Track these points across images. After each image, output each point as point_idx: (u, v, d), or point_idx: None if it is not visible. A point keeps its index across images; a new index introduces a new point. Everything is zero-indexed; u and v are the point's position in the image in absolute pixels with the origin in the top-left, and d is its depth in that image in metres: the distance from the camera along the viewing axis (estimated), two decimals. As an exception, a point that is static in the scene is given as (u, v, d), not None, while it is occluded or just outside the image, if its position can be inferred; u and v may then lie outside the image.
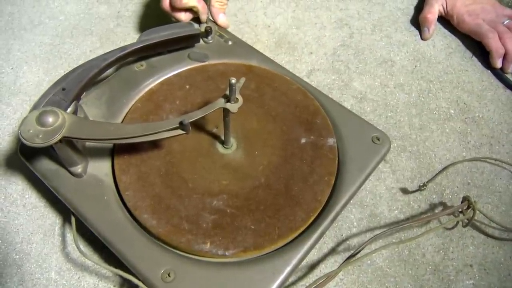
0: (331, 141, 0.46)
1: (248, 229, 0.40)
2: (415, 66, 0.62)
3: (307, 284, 0.38)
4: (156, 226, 0.40)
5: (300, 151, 0.46)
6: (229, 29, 0.58)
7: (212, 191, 0.43)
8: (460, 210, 0.45)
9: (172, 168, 0.44)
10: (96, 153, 0.44)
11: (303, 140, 0.46)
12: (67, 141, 0.39)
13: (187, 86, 0.50)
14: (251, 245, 0.39)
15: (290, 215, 0.41)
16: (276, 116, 0.48)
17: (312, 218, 0.41)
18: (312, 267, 0.44)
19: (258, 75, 0.52)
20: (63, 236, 0.45)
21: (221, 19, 0.58)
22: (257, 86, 0.51)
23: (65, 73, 0.44)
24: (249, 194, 0.43)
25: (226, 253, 0.39)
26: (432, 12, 0.65)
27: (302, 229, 0.41)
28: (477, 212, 0.43)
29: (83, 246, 0.44)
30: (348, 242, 0.46)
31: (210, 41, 0.55)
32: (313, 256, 0.45)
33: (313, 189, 0.43)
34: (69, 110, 0.41)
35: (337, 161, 0.45)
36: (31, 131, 0.37)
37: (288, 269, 0.38)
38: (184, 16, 0.56)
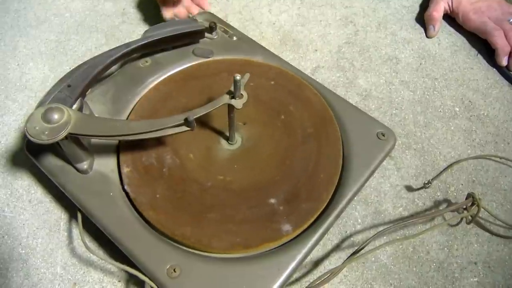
0: (336, 137, 0.46)
1: (253, 225, 0.40)
2: (420, 64, 0.62)
3: (311, 280, 0.38)
4: (162, 221, 0.40)
5: (305, 146, 0.46)
6: (234, 26, 0.58)
7: (217, 187, 0.43)
8: (465, 206, 0.45)
9: (177, 164, 0.44)
10: (101, 149, 0.44)
11: (307, 136, 0.46)
12: (73, 137, 0.39)
13: (192, 82, 0.51)
14: (256, 241, 0.39)
15: (294, 211, 0.41)
16: (281, 112, 0.48)
17: (317, 214, 0.41)
18: (317, 263, 0.44)
19: (263, 70, 0.52)
20: (68, 231, 0.46)
21: None
22: (262, 82, 0.51)
23: (71, 69, 0.44)
24: (254, 190, 0.43)
25: (231, 249, 0.39)
26: (438, 10, 0.65)
27: (306, 225, 0.41)
28: (482, 209, 0.43)
29: (88, 242, 0.44)
30: (352, 238, 0.46)
31: (215, 37, 0.55)
32: (318, 252, 0.45)
33: (318, 185, 0.43)
34: (74, 106, 0.41)
35: (342, 157, 0.45)
36: (37, 128, 0.37)
37: (293, 265, 0.38)
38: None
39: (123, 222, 0.40)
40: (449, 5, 0.65)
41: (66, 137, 0.38)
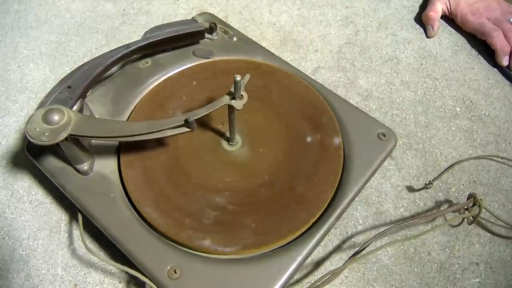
0: (337, 137, 0.46)
1: (254, 226, 0.40)
2: (421, 64, 0.62)
3: (313, 281, 0.38)
4: (162, 223, 0.40)
5: (306, 147, 0.46)
6: (235, 27, 0.58)
7: (217, 188, 0.43)
8: (466, 207, 0.44)
9: (178, 165, 0.44)
10: (102, 151, 0.44)
11: (308, 137, 0.46)
12: (73, 139, 0.39)
13: (193, 83, 0.50)
14: (257, 242, 0.39)
15: (295, 212, 0.41)
16: (282, 112, 0.48)
17: (318, 215, 0.41)
18: (318, 264, 0.44)
19: (263, 71, 0.52)
20: (69, 232, 0.46)
21: None
22: (262, 82, 0.51)
23: (71, 70, 0.44)
24: (254, 191, 0.43)
25: (232, 250, 0.39)
26: (435, 10, 0.64)
27: (307, 226, 0.41)
28: (483, 210, 0.43)
29: (89, 243, 0.44)
30: (353, 239, 0.46)
31: (215, 38, 0.55)
32: (319, 253, 0.45)
33: (319, 185, 0.43)
34: (75, 108, 0.41)
35: (342, 158, 0.45)
36: (37, 129, 0.37)
37: (294, 266, 0.38)
38: None
39: (123, 223, 0.40)
40: (447, 7, 0.65)
41: (66, 139, 0.38)
